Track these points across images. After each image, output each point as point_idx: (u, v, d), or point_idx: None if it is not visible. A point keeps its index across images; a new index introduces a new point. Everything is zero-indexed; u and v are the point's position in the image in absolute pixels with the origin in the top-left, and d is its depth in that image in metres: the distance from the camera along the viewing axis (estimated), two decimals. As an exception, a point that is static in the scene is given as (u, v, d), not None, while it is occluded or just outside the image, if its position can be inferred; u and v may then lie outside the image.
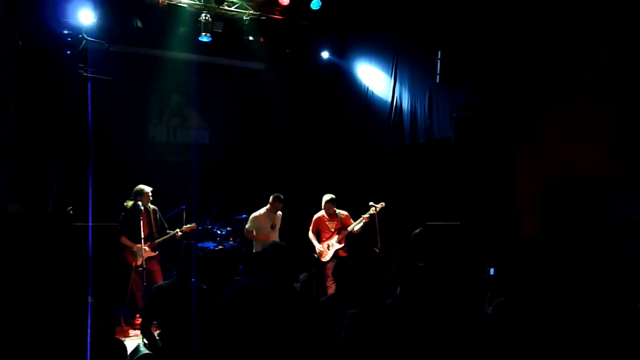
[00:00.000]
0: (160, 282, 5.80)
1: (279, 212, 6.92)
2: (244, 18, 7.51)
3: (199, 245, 7.71)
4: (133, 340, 5.34)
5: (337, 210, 6.81)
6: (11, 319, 3.71)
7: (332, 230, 6.77)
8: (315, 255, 6.79)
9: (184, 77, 8.57)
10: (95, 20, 6.03)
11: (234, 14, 7.48)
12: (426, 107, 6.61)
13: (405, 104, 7.07)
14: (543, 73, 5.21)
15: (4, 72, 3.96)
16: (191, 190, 7.37)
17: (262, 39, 7.93)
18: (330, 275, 6.24)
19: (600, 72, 4.71)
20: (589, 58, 4.83)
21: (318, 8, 7.28)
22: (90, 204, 4.06)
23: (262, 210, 6.83)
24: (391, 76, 7.38)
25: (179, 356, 2.94)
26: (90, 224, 4.27)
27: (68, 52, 5.60)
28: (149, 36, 7.43)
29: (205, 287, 3.43)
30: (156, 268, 6.27)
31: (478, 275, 3.77)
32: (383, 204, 6.51)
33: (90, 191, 4.06)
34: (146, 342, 4.07)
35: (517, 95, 5.46)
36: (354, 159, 8.36)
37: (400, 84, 7.21)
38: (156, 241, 6.32)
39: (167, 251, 6.69)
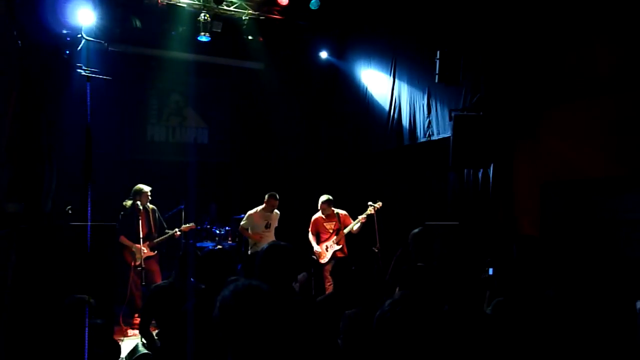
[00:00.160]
0: (159, 281, 5.80)
1: (276, 212, 6.91)
2: (243, 18, 7.51)
3: (198, 244, 7.72)
4: (132, 340, 5.35)
5: (336, 210, 6.78)
6: (10, 319, 3.70)
7: (330, 231, 6.75)
8: (314, 256, 6.78)
9: (182, 76, 8.59)
10: (95, 19, 6.03)
11: (233, 14, 7.47)
12: (425, 106, 6.62)
13: (404, 104, 7.08)
14: (542, 72, 5.21)
15: (3, 72, 3.96)
16: (190, 190, 7.36)
17: (261, 39, 7.95)
18: (329, 276, 6.23)
19: (600, 72, 4.71)
20: (588, 57, 4.83)
21: (317, 8, 7.28)
22: (89, 203, 4.05)
23: (258, 208, 6.83)
24: (390, 76, 7.39)
25: (178, 356, 2.94)
26: (89, 223, 4.26)
27: (67, 51, 5.61)
28: (148, 36, 7.44)
29: (204, 286, 3.43)
30: (155, 267, 6.27)
31: (477, 275, 3.76)
32: (380, 203, 6.52)
33: (89, 191, 4.05)
34: (145, 341, 4.07)
35: (516, 94, 5.47)
36: (353, 158, 8.36)
37: (399, 83, 7.22)
38: (155, 241, 6.32)
39: (166, 251, 6.68)
